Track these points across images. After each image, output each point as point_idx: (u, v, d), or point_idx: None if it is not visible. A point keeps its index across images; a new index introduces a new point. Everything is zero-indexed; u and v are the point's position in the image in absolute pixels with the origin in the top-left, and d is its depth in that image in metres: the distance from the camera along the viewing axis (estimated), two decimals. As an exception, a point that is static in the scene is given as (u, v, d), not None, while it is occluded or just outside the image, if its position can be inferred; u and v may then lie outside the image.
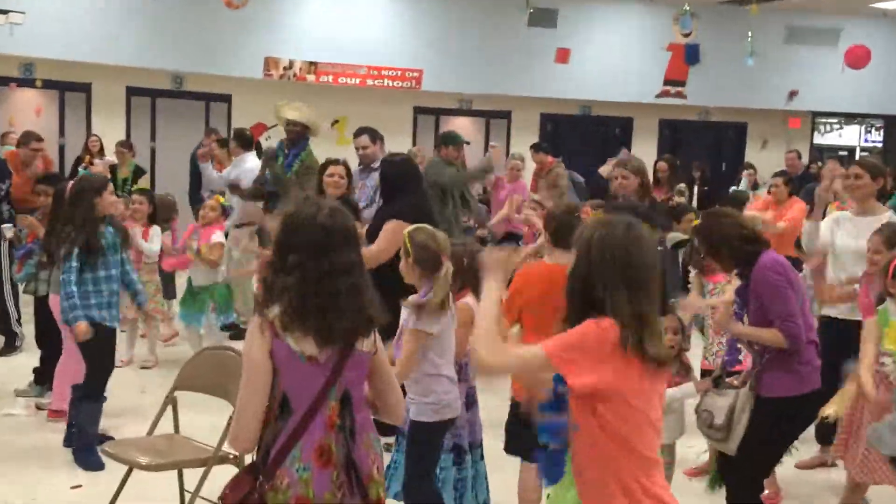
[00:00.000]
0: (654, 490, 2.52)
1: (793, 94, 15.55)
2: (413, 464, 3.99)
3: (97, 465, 5.12)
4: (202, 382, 4.28)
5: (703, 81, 15.18)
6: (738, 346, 4.68)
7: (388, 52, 13.98)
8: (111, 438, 5.21)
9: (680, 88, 15.33)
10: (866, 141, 17.29)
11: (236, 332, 7.98)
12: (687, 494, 4.26)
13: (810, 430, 4.90)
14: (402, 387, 3.42)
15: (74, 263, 5.16)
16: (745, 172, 11.92)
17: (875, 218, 5.25)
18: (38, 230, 6.10)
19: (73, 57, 12.49)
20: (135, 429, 5.30)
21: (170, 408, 4.40)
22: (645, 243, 2.57)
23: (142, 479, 4.27)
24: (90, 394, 5.27)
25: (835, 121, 17.09)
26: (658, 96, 15.29)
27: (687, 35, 15.00)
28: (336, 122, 14.31)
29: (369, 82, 14.07)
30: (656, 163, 9.63)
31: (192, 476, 4.13)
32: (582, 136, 15.61)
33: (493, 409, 5.09)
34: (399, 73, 14.14)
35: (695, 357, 5.25)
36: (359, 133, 7.14)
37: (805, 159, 14.18)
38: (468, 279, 4.34)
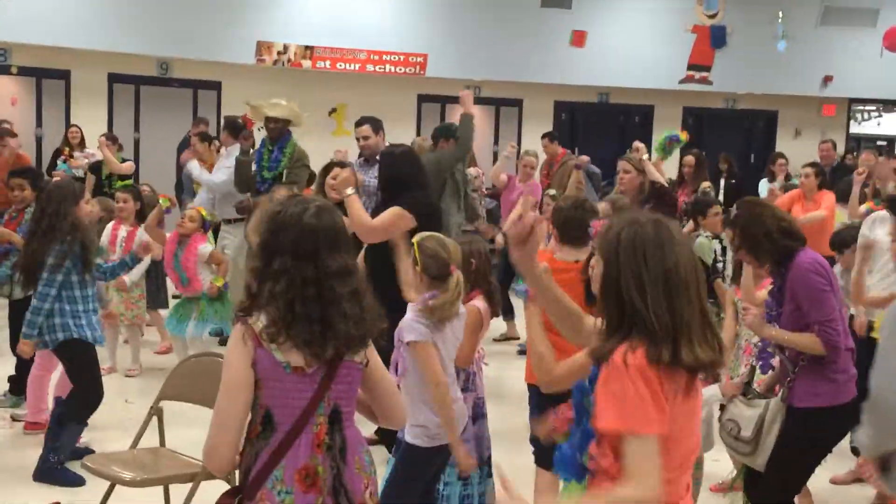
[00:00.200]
0: None
1: (827, 80, 15.50)
2: (394, 484, 3.98)
3: (77, 481, 5.13)
4: (189, 392, 4.29)
5: (729, 66, 15.15)
6: (770, 349, 4.67)
7: (390, 35, 13.98)
8: (92, 452, 5.22)
9: (705, 74, 15.30)
10: (906, 130, 17.24)
11: (225, 338, 7.99)
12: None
13: (844, 443, 4.88)
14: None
15: (59, 277, 5.18)
16: (779, 162, 11.86)
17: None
18: (11, 237, 6.10)
19: (51, 41, 12.53)
20: (117, 442, 5.29)
21: (155, 419, 4.41)
22: (680, 239, 2.49)
23: (125, 495, 4.27)
24: (80, 417, 5.30)
25: (873, 108, 17.02)
26: (681, 82, 15.26)
27: (713, 16, 14.97)
28: (334, 110, 14.33)
29: (369, 68, 14.07)
30: (682, 157, 9.56)
31: (178, 492, 4.14)
32: (599, 125, 15.59)
33: (502, 420, 5.09)
34: (402, 58, 14.14)
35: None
36: (360, 123, 7.16)
37: (840, 150, 14.14)
38: (478, 281, 4.34)
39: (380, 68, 14.11)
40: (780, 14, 13.96)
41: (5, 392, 6.51)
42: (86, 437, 5.64)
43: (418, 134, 13.80)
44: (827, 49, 15.26)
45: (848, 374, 3.99)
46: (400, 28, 14.07)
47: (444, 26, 14.15)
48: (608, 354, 2.38)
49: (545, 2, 13.85)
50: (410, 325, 3.79)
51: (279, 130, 7.47)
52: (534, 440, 4.39)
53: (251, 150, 7.75)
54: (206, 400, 4.12)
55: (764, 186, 11.24)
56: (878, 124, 17.23)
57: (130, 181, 9.94)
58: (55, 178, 7.83)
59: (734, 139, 15.77)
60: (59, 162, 11.42)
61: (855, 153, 13.71)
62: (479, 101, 15.35)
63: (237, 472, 2.75)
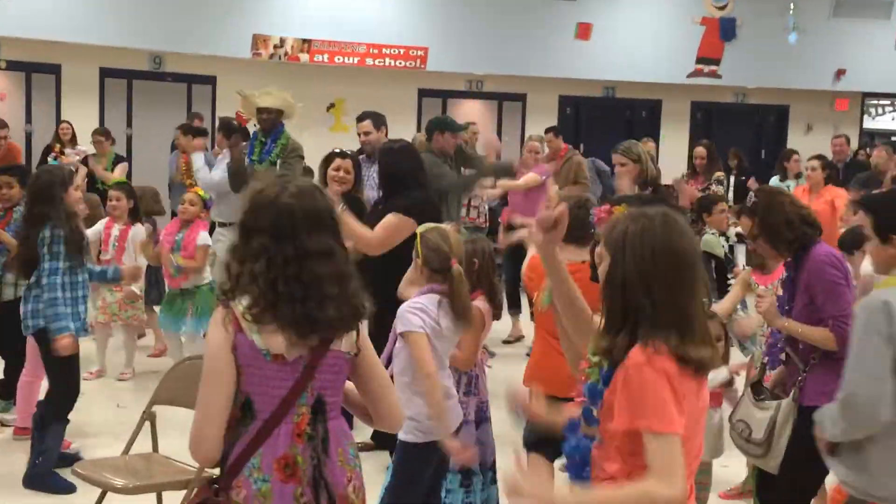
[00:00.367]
0: None
1: (840, 73, 15.49)
2: (392, 488, 3.98)
3: (67, 488, 5.13)
4: (183, 396, 4.26)
5: (739, 59, 15.13)
6: (780, 345, 4.66)
7: (390, 28, 13.97)
8: (82, 458, 5.21)
9: (714, 67, 15.29)
10: (922, 125, 17.24)
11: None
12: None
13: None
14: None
15: (61, 264, 5.16)
16: (794, 158, 11.84)
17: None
18: (2, 237, 6.09)
19: (41, 35, 12.51)
20: (109, 448, 5.27)
21: (147, 424, 4.40)
22: (687, 233, 2.51)
23: (117, 502, 4.26)
24: (61, 414, 5.27)
25: (887, 102, 17.01)
26: (690, 76, 15.25)
27: (722, 7, 14.95)
28: (332, 105, 14.32)
29: (369, 62, 14.06)
30: (693, 149, 9.56)
31: (171, 499, 4.13)
32: (605, 120, 15.58)
33: (506, 424, 5.06)
34: (402, 51, 14.13)
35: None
36: (362, 118, 7.16)
37: (854, 145, 14.11)
38: (480, 281, 4.35)
39: (379, 62, 14.11)
40: (792, 5, 13.95)
41: (-6, 396, 6.50)
42: (76, 443, 5.64)
43: (419, 129, 13.76)
44: (840, 41, 15.24)
45: (862, 372, 3.97)
46: (400, 20, 14.06)
47: (446, 19, 14.14)
48: (623, 353, 2.39)
49: (550, -7, 13.86)
50: (404, 316, 3.86)
51: (272, 122, 7.45)
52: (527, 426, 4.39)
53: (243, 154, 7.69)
54: (200, 404, 4.13)
55: (774, 183, 11.22)
56: (893, 119, 17.23)
57: (123, 178, 9.92)
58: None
59: (744, 134, 15.75)
60: (49, 159, 11.38)
61: (868, 149, 13.67)
62: (481, 95, 15.38)
63: None
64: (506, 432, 4.81)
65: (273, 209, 2.61)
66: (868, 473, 3.15)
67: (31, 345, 5.51)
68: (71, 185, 5.36)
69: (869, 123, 16.98)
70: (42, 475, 5.22)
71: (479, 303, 4.33)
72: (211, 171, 7.84)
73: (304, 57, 13.78)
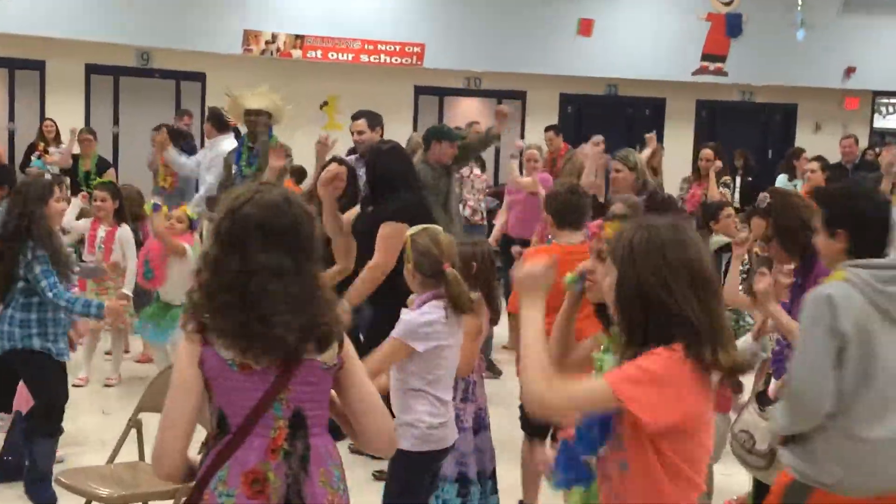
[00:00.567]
0: None
1: (850, 71, 15.50)
2: (388, 501, 3.96)
3: (49, 499, 5.10)
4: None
5: (746, 56, 15.15)
6: (786, 353, 4.66)
7: (385, 24, 13.98)
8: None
9: (720, 64, 15.30)
10: (934, 124, 17.23)
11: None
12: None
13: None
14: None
15: (54, 277, 5.03)
16: (803, 157, 11.83)
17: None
18: None
19: (25, 30, 12.51)
20: (94, 455, 5.28)
21: (134, 432, 4.40)
22: (697, 238, 2.54)
23: (102, 513, 4.25)
24: (50, 431, 5.19)
25: (898, 101, 17.03)
26: (695, 73, 15.26)
27: (728, 3, 14.97)
28: (325, 103, 14.32)
29: (363, 58, 14.07)
30: (699, 150, 9.54)
31: (159, 510, 4.13)
32: (607, 119, 15.53)
33: (506, 431, 5.07)
34: (397, 47, 14.14)
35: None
36: (357, 116, 7.14)
37: (863, 144, 14.11)
38: (478, 284, 4.34)
39: (374, 59, 14.11)
40: (800, 1, 13.95)
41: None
42: (60, 451, 5.62)
43: (415, 128, 13.79)
44: (849, 38, 15.24)
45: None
46: (396, 16, 14.06)
47: (443, 14, 14.15)
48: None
49: (550, -12, 13.87)
50: (411, 328, 3.80)
51: (260, 124, 7.45)
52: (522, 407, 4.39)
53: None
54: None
55: (781, 183, 11.22)
56: (904, 118, 17.24)
57: (109, 178, 9.91)
58: (28, 175, 7.80)
59: (750, 134, 15.76)
60: (33, 158, 11.40)
61: (877, 148, 13.67)
62: (479, 93, 15.39)
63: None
64: (505, 440, 4.82)
65: (230, 218, 2.58)
66: (814, 461, 3.20)
67: None
68: (51, 196, 5.22)
69: (879, 122, 16.98)
70: (36, 482, 5.14)
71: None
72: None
73: (297, 53, 13.78)
